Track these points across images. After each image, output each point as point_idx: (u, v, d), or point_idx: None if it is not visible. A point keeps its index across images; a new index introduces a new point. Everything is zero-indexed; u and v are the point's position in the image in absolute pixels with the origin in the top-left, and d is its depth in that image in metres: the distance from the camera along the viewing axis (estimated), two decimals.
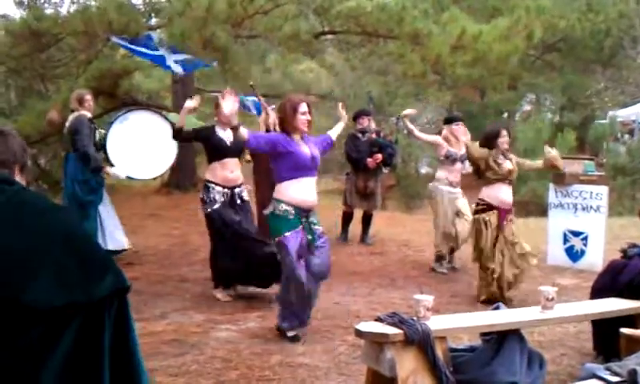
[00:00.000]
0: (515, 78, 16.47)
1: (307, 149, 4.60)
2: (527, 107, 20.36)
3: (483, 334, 3.81)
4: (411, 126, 7.36)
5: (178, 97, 12.16)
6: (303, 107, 4.59)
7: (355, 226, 8.61)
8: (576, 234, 7.28)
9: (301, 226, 4.55)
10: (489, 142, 5.94)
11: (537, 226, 9.39)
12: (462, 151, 7.03)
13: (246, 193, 5.86)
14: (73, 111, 6.49)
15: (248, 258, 5.54)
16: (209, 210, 5.59)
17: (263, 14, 8.32)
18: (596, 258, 6.95)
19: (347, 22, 8.97)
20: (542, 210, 11.01)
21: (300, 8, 8.87)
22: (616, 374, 3.05)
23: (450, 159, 7.10)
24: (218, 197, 5.62)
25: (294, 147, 4.53)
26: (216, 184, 5.64)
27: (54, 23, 8.99)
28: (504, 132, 5.96)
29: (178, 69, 7.37)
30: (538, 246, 8.09)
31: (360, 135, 8.21)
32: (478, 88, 16.70)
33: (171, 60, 7.28)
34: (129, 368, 1.63)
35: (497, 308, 4.08)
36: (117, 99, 11.34)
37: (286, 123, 4.59)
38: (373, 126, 8.43)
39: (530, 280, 6.62)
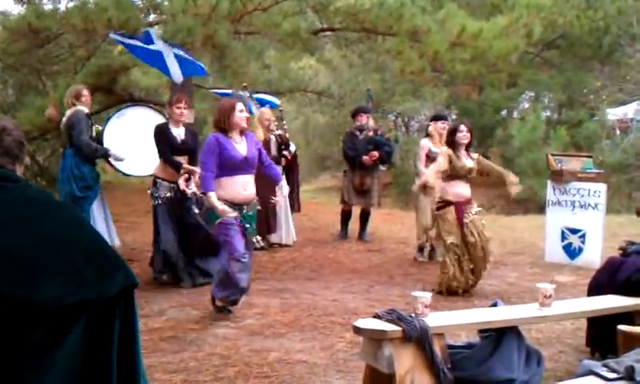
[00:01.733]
0: (514, 76, 16.46)
1: (244, 148, 4.93)
2: (526, 105, 20.36)
3: (481, 331, 3.81)
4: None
5: (177, 93, 12.11)
6: (240, 106, 4.97)
7: (353, 224, 8.62)
8: (574, 231, 7.29)
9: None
10: (450, 138, 6.04)
11: (535, 224, 9.42)
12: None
13: (193, 186, 5.95)
14: (67, 107, 6.42)
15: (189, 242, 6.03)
16: (156, 203, 5.92)
17: (262, 10, 8.29)
18: (594, 256, 6.96)
19: (346, 19, 8.96)
20: (539, 208, 11.03)
21: (299, 5, 8.85)
22: (613, 370, 3.05)
23: (431, 158, 7.13)
24: (164, 193, 5.90)
25: (229, 146, 4.85)
26: (163, 179, 5.89)
27: (53, 19, 8.94)
28: (462, 127, 6.02)
29: (177, 73, 7.28)
30: (535, 243, 8.13)
31: (358, 133, 8.22)
32: (477, 85, 16.70)
33: (171, 55, 7.20)
34: (131, 366, 1.61)
35: (494, 305, 4.09)
36: (114, 95, 11.31)
37: (225, 123, 4.89)
38: (371, 123, 8.44)
39: (527, 277, 6.65)
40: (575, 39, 15.55)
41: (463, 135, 5.95)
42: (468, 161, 5.99)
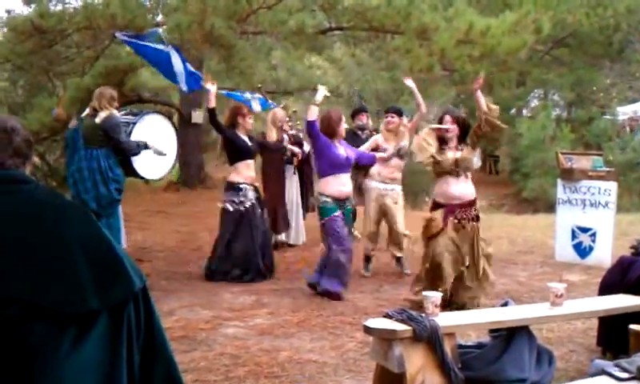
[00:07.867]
0: (524, 74, 16.39)
1: (343, 151, 5.74)
2: (535, 103, 20.29)
3: (492, 331, 3.80)
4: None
5: (185, 94, 12.15)
6: (343, 118, 5.90)
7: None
8: (584, 230, 7.25)
9: (340, 212, 5.68)
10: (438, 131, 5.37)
11: (545, 222, 9.37)
12: (403, 144, 6.56)
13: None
14: (99, 109, 6.13)
15: None
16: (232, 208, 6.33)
17: (267, 8, 8.29)
18: (604, 255, 6.92)
19: (354, 18, 8.95)
20: (549, 206, 10.98)
21: (304, 2, 8.84)
22: (625, 370, 3.03)
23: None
24: (252, 196, 6.43)
25: (333, 149, 5.67)
26: (249, 184, 6.44)
27: (59, 19, 8.98)
28: (446, 117, 5.38)
29: (182, 82, 7.23)
30: (545, 242, 8.09)
31: (359, 132, 8.17)
32: (487, 84, 16.64)
33: (178, 59, 7.16)
34: (163, 366, 1.63)
35: (505, 304, 4.07)
36: (123, 96, 11.33)
37: (330, 129, 5.69)
38: (370, 123, 8.43)
39: (538, 276, 6.62)
40: (585, 37, 15.46)
41: (446, 128, 5.29)
42: (455, 153, 5.23)
